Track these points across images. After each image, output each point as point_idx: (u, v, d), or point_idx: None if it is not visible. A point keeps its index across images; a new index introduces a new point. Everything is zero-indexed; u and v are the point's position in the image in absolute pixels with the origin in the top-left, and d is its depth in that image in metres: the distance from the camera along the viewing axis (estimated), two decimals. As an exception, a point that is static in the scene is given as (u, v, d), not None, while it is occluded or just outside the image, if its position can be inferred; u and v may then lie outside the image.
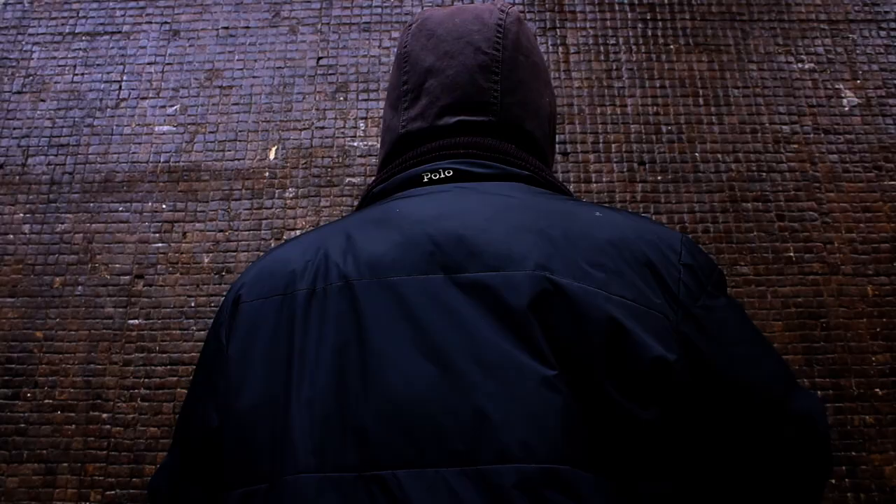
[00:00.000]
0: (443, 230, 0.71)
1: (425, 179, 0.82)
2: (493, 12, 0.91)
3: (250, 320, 0.73)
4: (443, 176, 0.81)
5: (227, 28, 1.98)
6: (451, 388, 0.62)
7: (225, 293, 1.68)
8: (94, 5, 2.01)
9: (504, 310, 0.64)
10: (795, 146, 1.83)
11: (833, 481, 1.53)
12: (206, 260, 1.72)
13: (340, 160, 1.82)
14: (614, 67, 1.92)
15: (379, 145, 0.95)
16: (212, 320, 1.65)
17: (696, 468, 0.70)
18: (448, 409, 0.61)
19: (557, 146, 1.82)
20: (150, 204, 1.78)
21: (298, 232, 1.73)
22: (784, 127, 1.85)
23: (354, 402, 0.63)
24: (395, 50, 0.97)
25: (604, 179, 1.79)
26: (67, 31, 1.99)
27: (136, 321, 1.67)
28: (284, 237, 1.73)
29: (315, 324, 0.68)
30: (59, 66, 1.95)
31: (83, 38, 1.98)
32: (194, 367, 1.62)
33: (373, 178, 1.79)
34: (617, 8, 2.00)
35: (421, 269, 0.68)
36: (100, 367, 1.63)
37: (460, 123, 0.84)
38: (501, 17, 0.90)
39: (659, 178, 1.79)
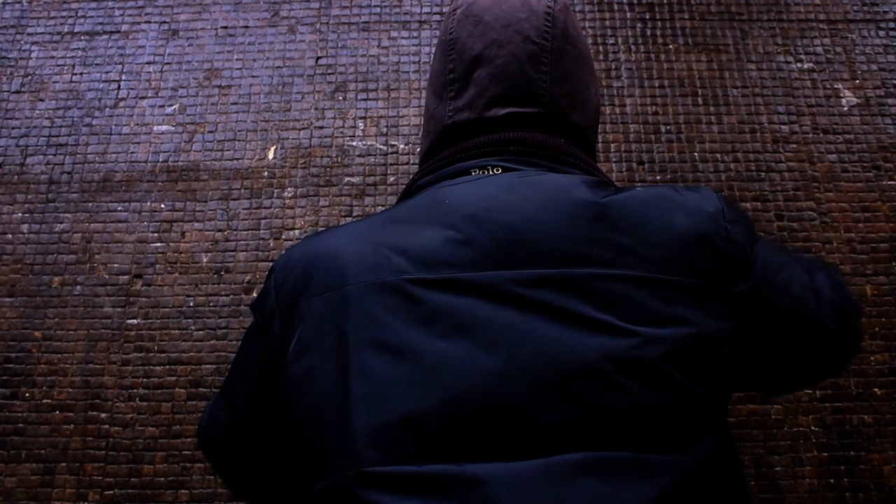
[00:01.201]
0: (496, 224, 0.70)
1: (472, 175, 0.80)
2: None
3: (310, 320, 0.72)
4: (491, 174, 0.80)
5: (225, 27, 1.98)
6: (513, 381, 0.62)
7: (224, 295, 1.68)
8: (93, 5, 2.01)
9: (561, 307, 0.65)
10: (794, 146, 1.83)
11: (832, 480, 1.53)
12: (204, 259, 1.72)
13: (339, 160, 1.82)
14: (613, 67, 1.92)
15: (421, 134, 0.93)
16: (210, 319, 1.65)
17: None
18: (512, 401, 0.62)
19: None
20: (148, 203, 1.78)
21: (297, 232, 1.73)
22: (783, 127, 1.85)
23: (414, 395, 0.63)
24: (438, 36, 0.95)
25: (603, 179, 1.79)
26: (66, 30, 1.98)
27: (135, 321, 1.67)
28: (283, 237, 1.73)
29: (369, 319, 0.68)
30: (58, 65, 1.94)
31: (82, 37, 1.98)
32: (193, 366, 1.62)
33: (371, 177, 1.79)
34: (616, 7, 2.00)
35: (476, 266, 0.68)
36: (98, 366, 1.63)
37: (510, 115, 0.83)
38: (550, 4, 0.88)
39: (658, 177, 1.79)
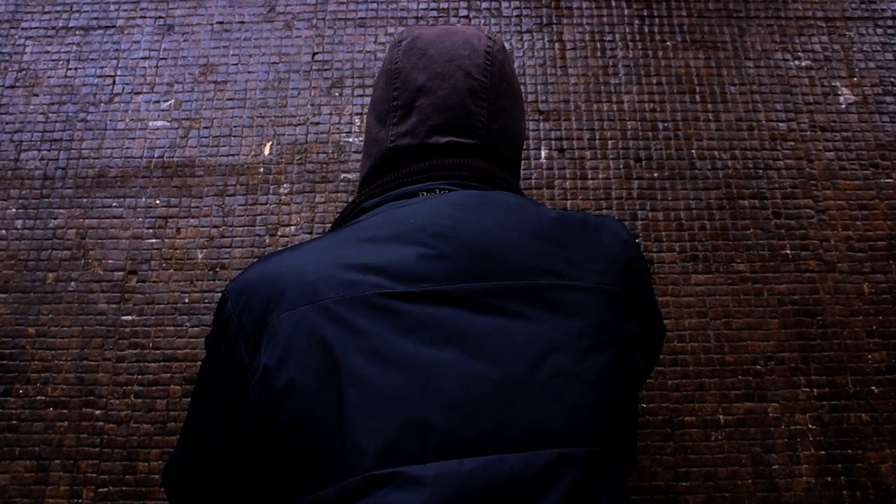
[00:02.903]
0: (463, 241, 0.76)
1: (421, 197, 0.86)
2: (481, 38, 0.95)
3: (285, 332, 0.73)
4: (439, 195, 0.85)
5: (221, 23, 1.97)
6: (500, 383, 0.68)
7: (219, 291, 1.67)
8: (88, -1, 2.00)
9: (530, 314, 0.72)
10: (792, 143, 1.83)
11: (829, 478, 1.52)
12: (199, 256, 1.71)
13: (335, 156, 1.81)
14: (611, 64, 1.92)
15: (361, 156, 0.99)
16: (205, 316, 1.64)
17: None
18: (501, 403, 0.67)
19: (554, 142, 1.82)
20: (143, 199, 1.77)
21: (293, 228, 1.72)
22: (781, 124, 1.85)
23: (413, 399, 0.67)
24: (382, 64, 0.99)
25: (600, 176, 1.78)
26: (61, 25, 1.97)
27: (130, 317, 1.66)
28: (279, 233, 1.72)
29: (353, 330, 0.71)
30: (53, 60, 1.93)
31: (77, 32, 1.96)
32: (188, 363, 1.61)
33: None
34: (613, 4, 1.99)
35: (450, 279, 0.73)
36: (93, 363, 1.62)
37: (450, 144, 0.88)
38: (490, 44, 0.94)
39: (655, 174, 1.79)
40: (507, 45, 1.93)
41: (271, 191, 1.78)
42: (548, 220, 0.80)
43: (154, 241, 1.73)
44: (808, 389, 1.59)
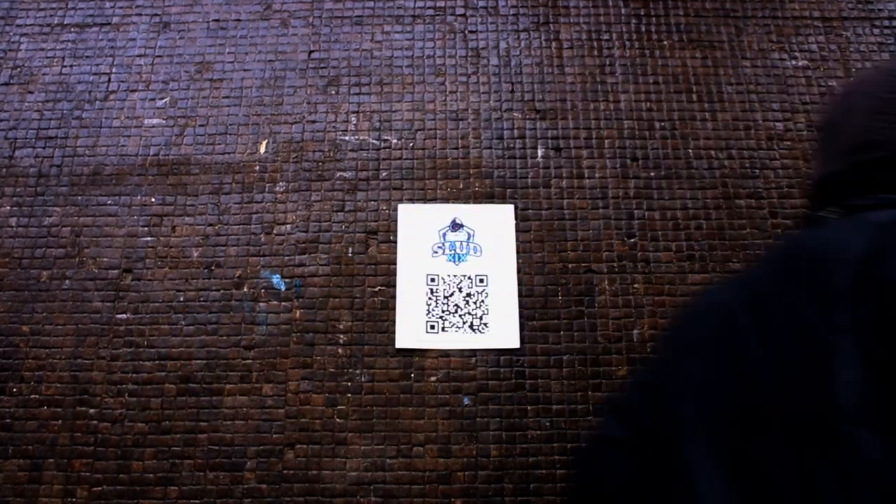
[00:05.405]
0: None
1: None
2: None
3: None
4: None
5: (217, 20, 1.96)
6: None
7: (214, 290, 1.66)
8: (84, -3, 1.99)
9: None
10: (789, 143, 1.82)
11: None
12: (195, 254, 1.70)
13: (331, 154, 1.80)
14: (608, 63, 1.91)
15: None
16: (200, 314, 1.63)
17: None
18: None
19: (550, 141, 1.82)
20: (138, 197, 1.76)
21: (289, 226, 1.72)
22: (777, 124, 1.85)
23: None
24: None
25: (597, 175, 1.78)
26: (56, 22, 1.96)
27: (124, 315, 1.65)
28: (274, 231, 1.72)
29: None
30: (48, 57, 1.92)
31: (72, 29, 1.96)
32: (183, 361, 1.60)
33: (363, 172, 1.78)
34: (610, 3, 1.99)
35: None
36: (87, 361, 1.62)
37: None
38: (894, 66, 0.92)
39: (652, 174, 1.78)
40: (503, 44, 1.93)
41: (267, 189, 1.77)
42: None
43: (149, 239, 1.72)
44: (803, 389, 1.59)
